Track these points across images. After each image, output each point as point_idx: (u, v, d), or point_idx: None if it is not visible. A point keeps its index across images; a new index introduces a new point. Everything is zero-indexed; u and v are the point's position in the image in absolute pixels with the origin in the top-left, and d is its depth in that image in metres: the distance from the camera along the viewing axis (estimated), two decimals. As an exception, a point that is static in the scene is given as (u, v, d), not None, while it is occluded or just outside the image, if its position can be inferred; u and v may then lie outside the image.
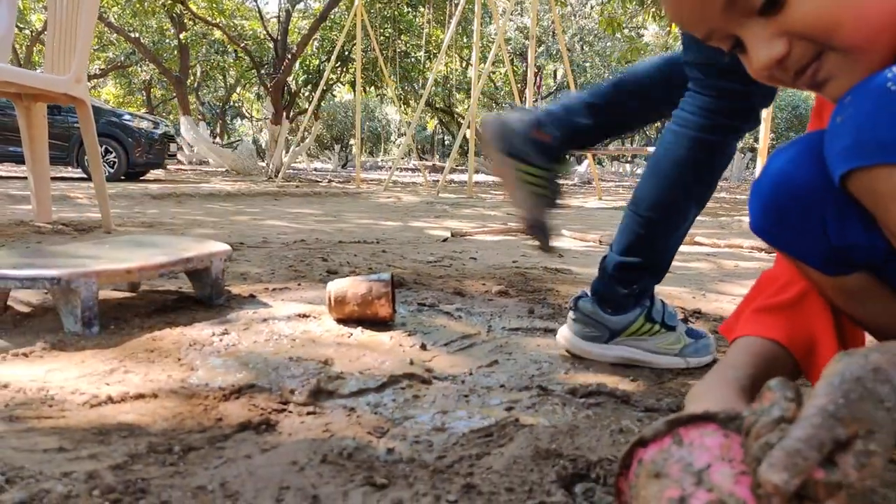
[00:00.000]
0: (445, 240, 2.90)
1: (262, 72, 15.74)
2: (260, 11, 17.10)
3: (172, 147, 11.63)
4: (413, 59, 17.78)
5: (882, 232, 0.58)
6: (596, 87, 1.21)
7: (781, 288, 0.78)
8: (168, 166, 12.15)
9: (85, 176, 8.95)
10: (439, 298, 1.60)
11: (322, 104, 21.38)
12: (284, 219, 3.76)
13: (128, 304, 1.42)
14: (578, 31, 17.77)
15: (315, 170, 24.12)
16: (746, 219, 1.12)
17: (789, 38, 0.57)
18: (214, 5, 16.23)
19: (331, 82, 17.81)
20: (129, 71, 22.80)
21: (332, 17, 16.04)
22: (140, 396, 0.90)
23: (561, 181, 1.21)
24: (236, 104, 28.55)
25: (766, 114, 5.42)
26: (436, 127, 28.67)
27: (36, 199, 2.96)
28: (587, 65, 18.57)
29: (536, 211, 1.21)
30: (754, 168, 5.03)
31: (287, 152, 14.19)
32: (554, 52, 16.31)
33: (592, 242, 2.98)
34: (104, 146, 8.48)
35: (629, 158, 22.98)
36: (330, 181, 12.98)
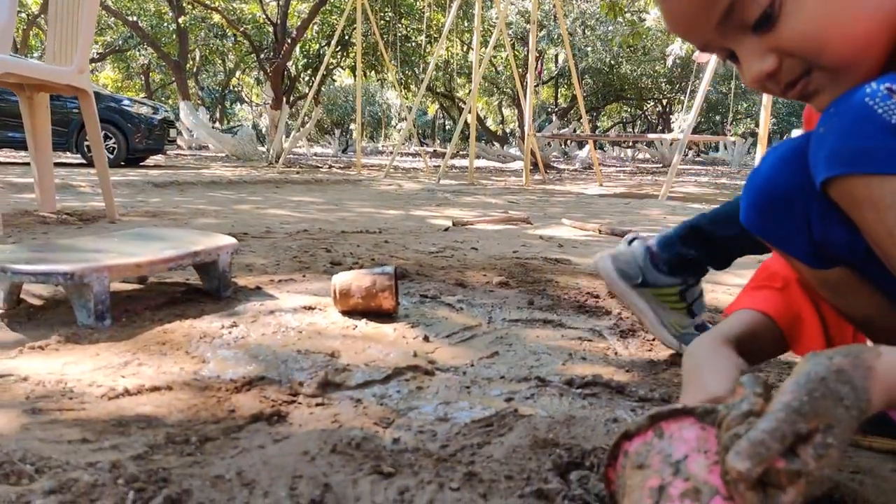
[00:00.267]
0: (447, 229, 2.94)
1: (262, 56, 15.66)
2: (259, -5, 16.95)
3: (172, 132, 11.61)
4: (414, 44, 17.68)
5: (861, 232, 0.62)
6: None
7: (773, 273, 0.84)
8: (168, 152, 12.13)
9: (84, 161, 8.98)
10: (441, 290, 1.64)
11: (322, 89, 21.29)
12: (287, 207, 3.80)
13: (137, 297, 1.46)
14: (580, 16, 17.64)
15: (315, 155, 24.10)
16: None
17: (780, 55, 0.61)
18: (213, -11, 16.10)
19: (331, 67, 17.72)
20: (128, 55, 22.67)
21: (332, 0, 15.93)
22: (155, 389, 0.94)
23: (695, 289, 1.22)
24: (236, 89, 28.42)
25: (766, 100, 5.42)
26: (436, 112, 28.56)
27: (40, 189, 3.00)
28: (588, 49, 18.45)
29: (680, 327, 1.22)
30: (755, 153, 5.06)
31: (287, 137, 14.17)
32: (555, 37, 16.20)
33: (591, 231, 3.01)
34: (103, 132, 8.47)
35: (630, 144, 22.92)
36: (330, 167, 12.99)
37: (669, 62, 15.91)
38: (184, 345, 1.15)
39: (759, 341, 0.80)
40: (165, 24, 18.82)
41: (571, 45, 12.89)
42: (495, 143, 20.41)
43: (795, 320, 0.80)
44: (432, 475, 0.71)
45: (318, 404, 0.92)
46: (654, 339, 1.30)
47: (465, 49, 19.56)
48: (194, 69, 22.48)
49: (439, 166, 9.19)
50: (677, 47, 13.85)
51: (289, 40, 14.11)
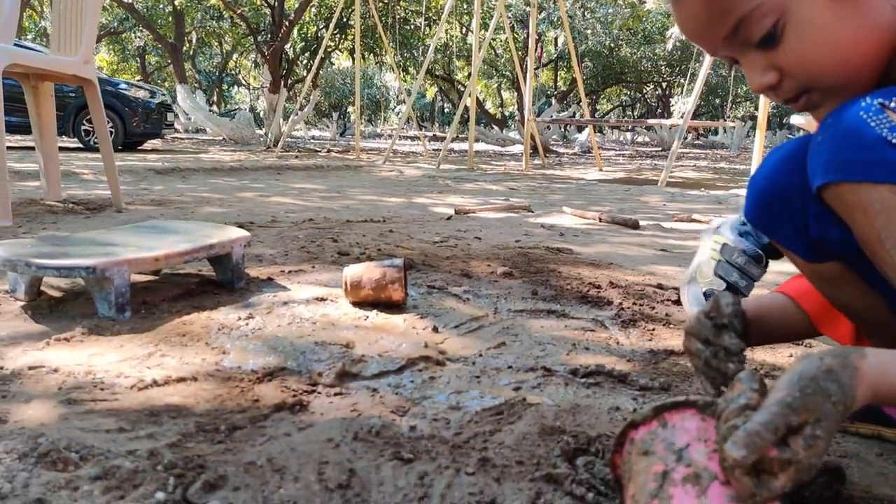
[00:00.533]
0: (449, 218, 2.98)
1: (259, 39, 15.55)
2: (255, -23, 16.80)
3: (170, 116, 11.58)
4: (413, 26, 17.55)
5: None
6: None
7: None
8: (165, 136, 12.11)
9: (81, 146, 8.97)
10: (447, 281, 1.69)
11: (320, 72, 21.15)
12: (290, 195, 3.83)
13: (153, 288, 1.51)
14: (579, -3, 17.54)
15: (313, 138, 23.98)
16: (743, 192, 1.25)
17: (780, 72, 0.66)
18: (209, -30, 15.94)
19: (329, 50, 17.60)
20: (123, 37, 22.46)
21: (329, -18, 15.77)
22: (181, 379, 0.99)
23: None
24: (233, 72, 28.22)
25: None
26: (435, 95, 28.41)
27: (45, 177, 3.02)
28: (588, 32, 18.34)
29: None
30: (754, 137, 5.09)
31: (285, 121, 14.11)
32: (555, 19, 16.10)
33: (592, 220, 3.05)
34: (101, 117, 8.46)
35: (630, 127, 22.86)
36: (329, 151, 12.96)
37: (669, 45, 15.83)
38: (203, 336, 1.20)
39: (776, 319, 0.87)
40: (161, 6, 18.63)
41: (571, 27, 12.81)
42: (494, 126, 20.36)
43: (824, 306, 0.85)
44: (449, 461, 0.76)
45: (336, 394, 0.97)
46: (653, 330, 1.35)
47: (464, 31, 19.42)
48: (191, 52, 22.31)
49: (439, 150, 9.20)
50: (677, 30, 13.78)
51: (286, 23, 14.00)
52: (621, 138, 25.18)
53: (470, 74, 9.50)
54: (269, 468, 0.73)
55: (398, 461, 0.75)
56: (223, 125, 15.73)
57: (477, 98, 11.78)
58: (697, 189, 5.19)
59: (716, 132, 20.97)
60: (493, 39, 17.52)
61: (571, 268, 1.90)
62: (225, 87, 28.88)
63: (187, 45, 20.74)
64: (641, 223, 2.89)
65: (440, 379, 1.04)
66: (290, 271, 1.73)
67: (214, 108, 23.59)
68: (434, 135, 21.01)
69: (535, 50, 10.14)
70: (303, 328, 1.26)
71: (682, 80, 20.35)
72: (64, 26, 2.66)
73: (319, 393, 0.97)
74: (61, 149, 8.53)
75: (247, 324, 1.27)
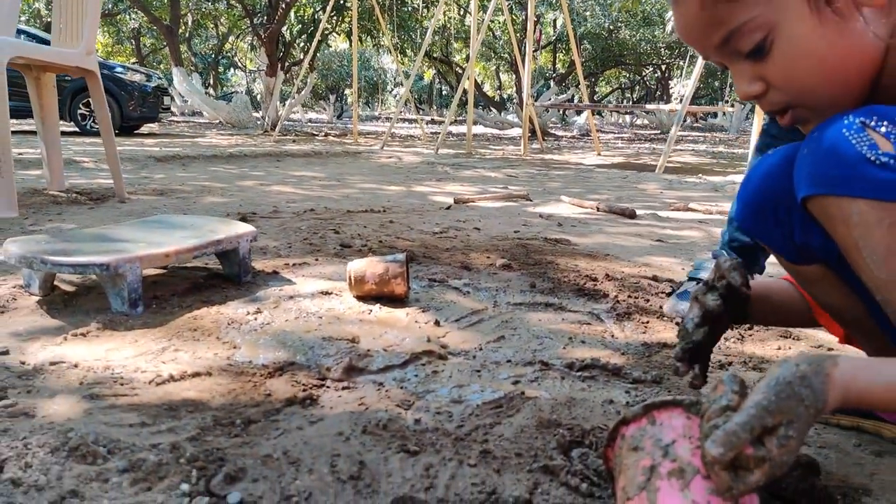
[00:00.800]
0: (449, 207, 3.02)
1: (256, 21, 15.42)
2: (251, -43, 16.58)
3: (166, 100, 11.53)
4: (410, 8, 17.40)
5: None
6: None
7: None
8: (162, 119, 12.07)
9: (77, 130, 8.96)
10: (448, 273, 1.73)
11: (317, 54, 20.99)
12: (289, 184, 3.86)
13: (163, 282, 1.55)
14: (578, -22, 17.37)
15: (310, 121, 23.86)
16: (739, 178, 1.32)
17: (766, 84, 0.70)
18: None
19: (326, 32, 17.45)
20: (118, 19, 22.22)
21: (326, -37, 15.60)
22: (196, 374, 1.04)
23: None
24: (229, 54, 27.98)
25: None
26: (433, 77, 28.23)
27: (49, 168, 3.05)
28: (587, 14, 18.20)
29: None
30: (752, 120, 5.12)
31: (282, 103, 14.03)
32: (553, 1, 15.98)
33: (589, 209, 3.09)
34: (100, 102, 8.43)
35: (629, 110, 22.78)
36: (326, 135, 12.93)
37: (669, 28, 15.74)
38: (214, 331, 1.25)
39: (780, 302, 0.92)
40: (156, -12, 18.41)
41: (570, 9, 12.73)
42: (493, 109, 20.28)
43: None
44: (452, 453, 0.81)
45: (344, 388, 1.02)
46: (647, 322, 1.40)
47: (462, 13, 19.26)
48: (186, 34, 22.09)
49: (437, 133, 9.18)
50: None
51: (283, 5, 13.88)
52: (620, 121, 25.11)
53: (468, 57, 9.47)
54: (284, 461, 0.78)
55: (405, 453, 0.81)
56: (220, 109, 15.65)
57: (475, 80, 11.75)
58: (695, 175, 5.23)
59: (715, 115, 20.92)
60: (492, 21, 17.38)
61: (569, 259, 1.95)
62: (221, 69, 28.67)
63: (183, 27, 20.53)
64: (638, 212, 2.94)
65: (442, 373, 1.09)
66: (294, 264, 1.77)
67: (211, 91, 23.44)
68: (432, 119, 20.94)
69: (534, 32, 10.09)
70: (309, 323, 1.31)
71: (681, 63, 20.25)
72: (66, 17, 2.67)
73: (328, 387, 1.02)
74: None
75: (255, 318, 1.32)
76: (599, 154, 8.76)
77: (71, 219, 2.39)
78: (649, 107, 10.29)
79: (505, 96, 26.84)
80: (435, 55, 20.69)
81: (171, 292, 1.47)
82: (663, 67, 23.95)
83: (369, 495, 0.72)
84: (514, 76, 19.03)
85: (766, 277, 1.04)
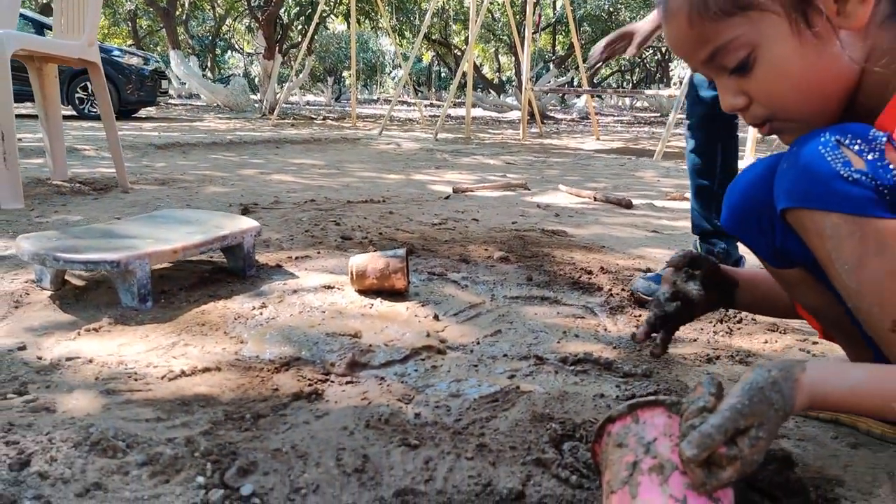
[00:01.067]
0: (447, 197, 3.06)
1: (253, 3, 15.29)
2: (247, -62, 16.39)
3: (164, 84, 11.49)
4: (408, -10, 17.25)
5: None
6: None
7: None
8: (160, 103, 12.04)
9: (75, 114, 8.95)
10: (446, 266, 1.78)
11: (315, 36, 20.83)
12: (289, 172, 3.89)
13: (170, 276, 1.59)
14: (578, -41, 17.22)
15: (308, 103, 23.74)
16: (740, 165, 1.41)
17: (749, 98, 0.74)
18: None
19: (324, 14, 17.31)
20: (114, 1, 22.01)
21: (323, -56, 15.42)
22: (206, 370, 1.09)
23: None
24: (226, 36, 27.75)
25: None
26: (432, 59, 28.03)
27: (52, 157, 3.08)
28: (587, -5, 18.07)
29: None
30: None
31: (280, 87, 13.97)
32: (553, -18, 15.88)
33: (587, 198, 3.13)
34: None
35: (629, 94, 22.67)
36: (325, 118, 12.90)
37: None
38: (221, 326, 1.30)
39: (766, 292, 0.98)
40: (152, -32, 18.20)
41: (570, -8, 12.61)
42: (492, 91, 20.19)
43: None
44: (450, 446, 0.86)
45: (348, 382, 1.07)
46: (640, 316, 1.45)
47: (460, -5, 19.08)
48: (183, 16, 21.89)
49: (435, 117, 9.17)
50: None
51: (280, -13, 13.75)
52: (620, 103, 24.99)
53: (467, 39, 9.42)
54: (293, 454, 0.83)
55: (406, 447, 0.86)
56: (218, 92, 15.58)
57: (474, 63, 11.70)
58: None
59: (714, 98, 20.81)
60: (491, 3, 17.23)
61: (565, 251, 1.99)
62: (218, 51, 28.44)
63: (180, 9, 20.34)
64: (634, 202, 2.98)
65: (441, 367, 1.14)
66: (296, 257, 1.82)
67: (208, 73, 23.28)
68: (430, 103, 20.85)
69: (533, 14, 10.05)
70: (313, 317, 1.36)
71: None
72: (68, 8, 2.68)
73: (332, 382, 1.07)
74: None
75: (261, 313, 1.37)
76: (598, 139, 8.77)
77: (76, 210, 2.42)
78: (648, 92, 10.28)
79: (504, 79, 26.68)
80: (434, 37, 20.54)
81: (179, 286, 1.52)
82: (663, 50, 23.80)
83: (373, 487, 0.77)
84: (513, 58, 18.91)
85: (757, 268, 1.10)
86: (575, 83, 15.18)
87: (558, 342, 1.28)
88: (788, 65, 0.69)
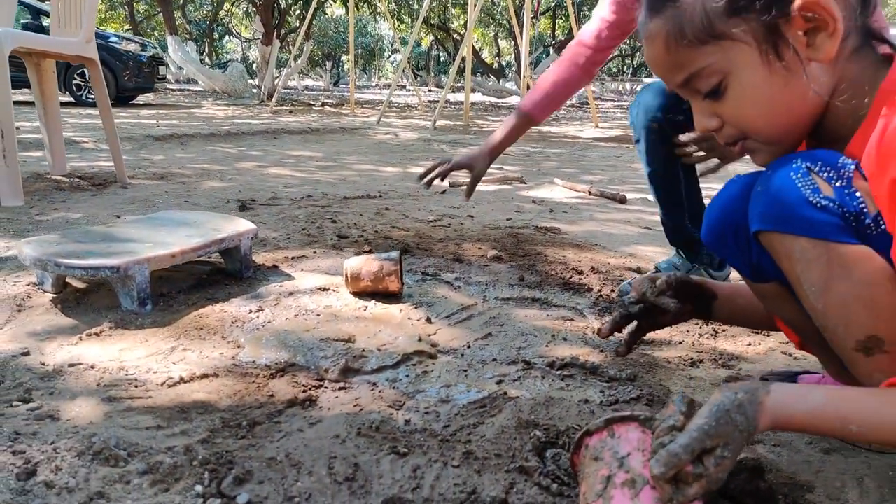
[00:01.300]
0: (444, 192, 3.08)
1: (250, -12, 15.15)
2: (244, -80, 16.21)
3: (162, 70, 11.44)
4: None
5: None
6: None
7: None
8: (158, 89, 12.01)
9: (72, 100, 8.94)
10: (440, 266, 1.81)
11: (313, 21, 20.66)
12: (287, 165, 3.91)
13: (168, 278, 1.63)
14: (579, -58, 17.01)
15: (307, 88, 23.61)
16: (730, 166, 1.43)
17: (721, 120, 0.77)
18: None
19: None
20: (110, -16, 21.81)
21: (321, -73, 15.25)
22: (204, 376, 1.13)
23: None
24: (224, 21, 27.52)
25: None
26: (431, 44, 27.83)
27: (51, 153, 3.10)
28: (587, -21, 17.89)
29: None
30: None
31: (278, 70, 13.89)
32: (553, -34, 15.73)
33: (582, 192, 3.16)
34: (95, 74, 8.41)
35: (630, 77, 22.55)
36: (323, 104, 12.85)
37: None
38: (219, 330, 1.33)
39: (746, 305, 1.01)
40: (147, -48, 18.03)
41: (569, -24, 12.50)
42: (491, 76, 20.08)
43: None
44: (438, 455, 0.90)
45: (341, 388, 1.11)
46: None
47: (459, -22, 18.90)
48: (181, 1, 21.70)
49: (434, 101, 9.13)
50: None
51: (278, -29, 13.63)
52: (620, 88, 24.86)
53: (466, 23, 9.35)
54: (287, 463, 0.87)
55: (395, 455, 0.89)
56: (216, 78, 15.50)
57: (473, 47, 11.66)
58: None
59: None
60: (490, -13, 17.07)
61: (557, 250, 2.02)
62: (216, 36, 28.23)
63: (176, -8, 20.16)
64: (629, 196, 3.00)
65: (432, 373, 1.18)
66: (293, 257, 1.85)
67: (206, 59, 23.13)
68: (430, 89, 20.74)
69: None
70: (308, 321, 1.39)
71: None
72: (65, 4, 2.69)
73: (326, 388, 1.11)
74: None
75: (257, 317, 1.40)
76: (597, 126, 8.76)
77: (75, 207, 2.45)
78: (647, 80, 10.23)
79: (504, 63, 26.51)
80: (433, 21, 20.38)
81: (178, 289, 1.55)
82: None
83: (363, 496, 0.81)
84: (512, 43, 18.79)
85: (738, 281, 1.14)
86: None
87: (546, 346, 1.32)
88: (757, 92, 0.72)
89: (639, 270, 1.84)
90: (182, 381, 1.11)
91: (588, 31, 1.52)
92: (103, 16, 24.27)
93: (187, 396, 1.06)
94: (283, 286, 1.61)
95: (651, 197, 1.67)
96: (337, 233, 2.14)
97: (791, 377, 1.09)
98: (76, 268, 1.35)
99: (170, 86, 17.90)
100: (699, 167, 1.56)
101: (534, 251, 2.00)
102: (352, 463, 0.87)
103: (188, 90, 17.41)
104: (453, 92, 15.82)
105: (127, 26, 22.50)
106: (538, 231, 2.29)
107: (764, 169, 0.81)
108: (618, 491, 0.68)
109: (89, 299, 1.48)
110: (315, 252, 1.92)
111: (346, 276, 1.53)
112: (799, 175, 0.72)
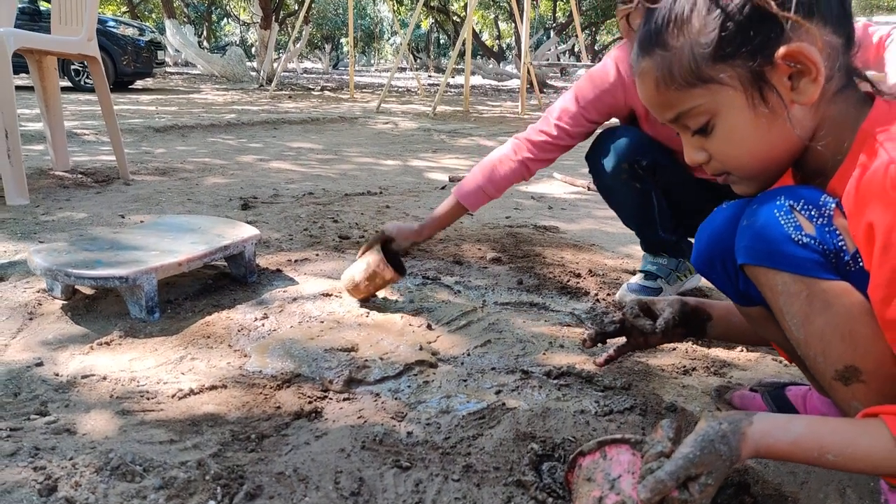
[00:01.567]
0: (444, 187, 3.11)
1: (248, -30, 15.00)
2: None
3: (160, 54, 11.38)
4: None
5: None
6: None
7: None
8: (157, 74, 11.95)
9: (70, 85, 8.92)
10: (440, 269, 1.85)
11: (312, 3, 20.47)
12: (287, 159, 3.92)
13: (174, 283, 1.66)
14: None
15: (306, 71, 23.45)
16: None
17: (709, 154, 0.80)
18: None
19: (320, -20, 16.98)
20: (106, -34, 21.56)
21: None
22: (213, 387, 1.17)
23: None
24: (222, 2, 27.25)
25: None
26: (431, 26, 27.58)
27: (53, 148, 3.12)
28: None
29: None
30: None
31: (277, 52, 13.79)
32: (554, -53, 15.55)
33: (581, 188, 3.18)
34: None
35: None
36: (323, 89, 12.80)
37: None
38: (225, 338, 1.37)
39: (739, 323, 1.03)
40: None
41: (570, -41, 12.36)
42: (492, 60, 19.94)
43: None
44: (439, 468, 0.94)
45: (345, 399, 1.15)
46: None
47: (459, -40, 18.68)
48: (177, -18, 21.46)
49: (435, 86, 9.09)
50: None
51: (275, -46, 13.48)
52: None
53: (466, 5, 9.29)
54: (295, 478, 0.91)
55: (398, 469, 0.94)
56: (214, 62, 15.40)
57: (473, 30, 11.56)
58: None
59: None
60: (491, -31, 16.89)
61: (556, 251, 2.06)
62: (214, 19, 27.97)
63: (173, -26, 19.92)
64: (627, 191, 3.02)
65: (433, 383, 1.22)
66: (295, 260, 1.88)
67: (205, 42, 22.95)
68: (429, 74, 20.61)
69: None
70: (312, 329, 1.43)
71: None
72: (66, 2, 2.69)
73: (331, 399, 1.15)
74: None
75: (262, 325, 1.44)
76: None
77: (80, 206, 2.48)
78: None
79: (504, 45, 26.30)
80: (432, 4, 20.19)
81: (184, 295, 1.59)
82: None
83: (368, 511, 0.85)
84: (513, 25, 18.63)
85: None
86: (576, 50, 15.00)
87: (544, 353, 1.36)
88: (742, 133, 0.75)
89: (635, 272, 1.88)
90: (192, 392, 1.15)
91: (535, 133, 1.53)
92: (99, -2, 24.01)
93: (197, 408, 1.10)
94: (286, 291, 1.64)
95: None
96: (338, 233, 2.17)
97: (780, 388, 1.13)
98: (86, 278, 1.38)
99: (168, 69, 17.79)
100: None
101: (532, 252, 2.03)
102: (357, 477, 0.91)
103: (186, 73, 17.31)
104: (453, 76, 15.72)
105: (124, 9, 22.29)
106: (537, 230, 2.32)
107: (747, 197, 0.85)
108: (609, 512, 0.72)
109: (98, 306, 1.51)
110: (317, 255, 1.95)
111: (348, 290, 1.56)
112: (782, 213, 0.75)
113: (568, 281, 1.78)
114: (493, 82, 17.29)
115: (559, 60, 12.33)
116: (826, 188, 0.77)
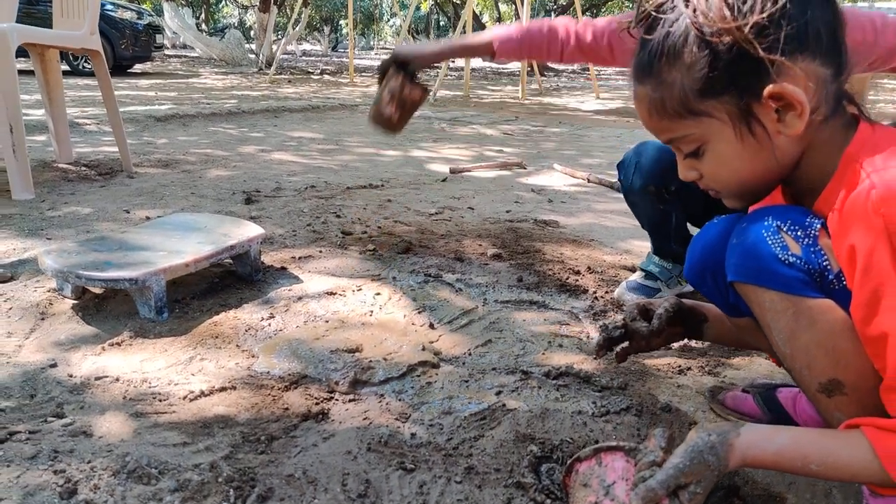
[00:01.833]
0: (445, 179, 3.13)
1: (246, -48, 14.84)
2: None
3: (159, 38, 11.32)
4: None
5: None
6: None
7: None
8: (155, 58, 11.89)
9: (69, 69, 8.89)
10: (442, 266, 1.88)
11: (310, -16, 20.23)
12: (289, 149, 3.94)
13: (182, 282, 1.69)
14: None
15: (305, 53, 23.27)
16: None
17: (701, 173, 0.83)
18: None
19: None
20: (102, -53, 21.30)
21: None
22: (223, 389, 1.21)
23: None
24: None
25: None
26: (431, 7, 27.32)
27: (56, 141, 3.14)
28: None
29: None
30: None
31: (276, 35, 13.70)
32: (555, -73, 15.36)
33: (581, 179, 3.20)
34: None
35: (630, 42, 22.17)
36: (322, 73, 12.74)
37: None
38: (233, 338, 1.41)
39: (731, 326, 1.05)
40: (140, -87, 17.56)
41: (572, -60, 12.22)
42: (492, 42, 19.70)
43: None
44: (442, 470, 0.98)
45: (350, 400, 1.19)
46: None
47: (460, -60, 18.45)
48: (174, -37, 21.21)
49: (435, 68, 9.05)
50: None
51: (274, -65, 13.33)
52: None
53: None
54: (304, 480, 0.95)
55: (402, 471, 0.98)
56: (213, 45, 15.31)
57: (474, 11, 11.47)
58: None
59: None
60: (491, -50, 16.68)
61: (555, 246, 2.09)
62: (212, 1, 27.70)
63: (170, -45, 19.68)
64: (627, 183, 3.05)
65: (435, 384, 1.26)
66: (299, 257, 1.92)
67: (203, 25, 22.76)
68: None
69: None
70: (318, 328, 1.47)
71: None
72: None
73: (337, 400, 1.19)
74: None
75: (269, 324, 1.48)
76: (598, 97, 8.72)
77: (85, 200, 2.51)
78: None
79: (505, 27, 26.03)
80: (432, -15, 19.99)
81: (191, 294, 1.62)
82: None
83: (374, 513, 0.89)
84: (513, 7, 18.46)
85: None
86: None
87: (543, 353, 1.40)
88: (730, 161, 0.79)
89: (633, 269, 1.91)
90: (202, 394, 1.19)
91: (598, 26, 1.43)
92: (96, -21, 23.76)
93: (208, 410, 1.14)
94: (291, 290, 1.68)
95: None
96: (341, 228, 2.20)
97: (771, 389, 1.17)
98: (97, 280, 1.42)
99: (167, 51, 17.66)
100: None
101: (532, 248, 2.06)
102: (363, 479, 0.95)
103: (185, 56, 17.21)
104: (453, 60, 15.61)
105: (121, -10, 22.05)
106: (537, 225, 2.35)
107: (738, 212, 0.88)
108: (603, 518, 0.76)
109: (108, 306, 1.55)
110: (321, 251, 1.98)
111: (381, 126, 1.44)
112: (770, 233, 0.78)
113: (567, 278, 1.82)
114: (494, 65, 17.20)
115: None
116: (813, 207, 0.80)
